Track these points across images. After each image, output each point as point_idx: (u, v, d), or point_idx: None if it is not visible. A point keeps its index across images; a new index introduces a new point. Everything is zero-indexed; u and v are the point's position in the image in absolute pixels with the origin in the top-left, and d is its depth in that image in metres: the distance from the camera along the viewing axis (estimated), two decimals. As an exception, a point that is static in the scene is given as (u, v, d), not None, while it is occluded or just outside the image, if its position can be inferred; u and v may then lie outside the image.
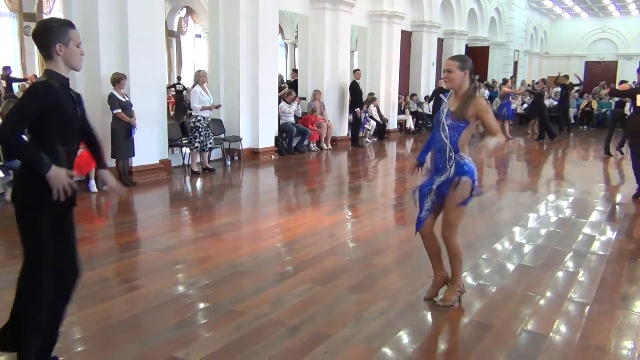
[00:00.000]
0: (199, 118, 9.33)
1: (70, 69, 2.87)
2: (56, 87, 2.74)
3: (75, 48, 2.81)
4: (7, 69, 14.67)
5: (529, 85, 16.86)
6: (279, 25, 14.09)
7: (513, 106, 16.41)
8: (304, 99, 13.28)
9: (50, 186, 2.67)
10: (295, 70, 16.60)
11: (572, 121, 20.24)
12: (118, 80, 7.88)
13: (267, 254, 5.24)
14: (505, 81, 18.47)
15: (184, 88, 17.09)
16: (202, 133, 9.35)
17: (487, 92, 21.31)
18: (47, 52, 2.77)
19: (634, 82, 23.09)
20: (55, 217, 2.82)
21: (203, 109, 9.33)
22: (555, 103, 19.63)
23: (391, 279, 4.55)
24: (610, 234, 6.16)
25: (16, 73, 16.08)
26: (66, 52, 2.78)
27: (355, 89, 13.63)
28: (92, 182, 7.68)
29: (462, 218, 3.97)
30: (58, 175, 2.68)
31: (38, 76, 15.44)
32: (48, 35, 2.75)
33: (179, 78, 19.58)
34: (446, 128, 3.78)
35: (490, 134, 3.71)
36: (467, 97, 3.76)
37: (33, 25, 16.42)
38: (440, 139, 3.82)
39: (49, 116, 2.68)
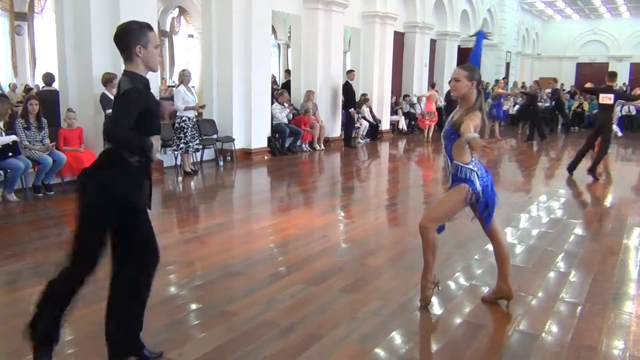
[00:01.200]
0: (184, 119, 9.26)
1: (149, 70, 2.97)
2: (143, 90, 2.88)
3: (154, 49, 2.91)
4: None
5: (522, 87, 16.92)
6: (272, 26, 14.07)
7: (505, 107, 16.47)
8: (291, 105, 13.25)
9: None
10: (288, 71, 16.61)
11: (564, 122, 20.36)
12: (110, 80, 7.84)
13: (259, 255, 5.23)
14: (497, 82, 18.53)
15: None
16: (187, 134, 9.28)
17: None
18: (127, 54, 2.89)
19: (624, 83, 23.28)
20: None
21: (187, 109, 9.25)
22: (548, 105, 19.76)
23: (384, 280, 4.56)
24: (601, 234, 6.20)
25: (7, 73, 16.00)
26: (145, 54, 2.88)
27: (348, 89, 13.65)
28: (84, 183, 7.63)
29: (449, 216, 3.92)
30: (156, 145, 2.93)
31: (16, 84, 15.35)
32: (128, 37, 2.86)
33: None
34: (443, 137, 3.87)
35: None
36: (470, 110, 3.73)
37: (24, 24, 16.42)
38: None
39: (140, 116, 2.82)
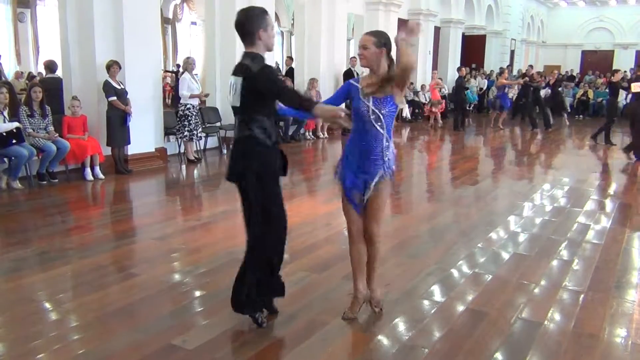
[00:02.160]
0: (188, 106, 9.26)
1: (267, 50, 3.24)
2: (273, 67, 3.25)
3: (271, 31, 3.22)
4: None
5: (525, 76, 16.59)
6: (275, 13, 14.00)
7: (510, 96, 16.34)
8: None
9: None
10: (290, 58, 16.53)
11: (569, 110, 20.16)
12: (110, 66, 7.80)
13: (263, 243, 5.23)
14: (502, 71, 18.38)
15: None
16: (191, 121, 9.28)
17: (485, 82, 21.26)
18: (250, 39, 3.16)
19: (631, 69, 23.10)
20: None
21: (192, 96, 9.25)
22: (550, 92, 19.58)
23: (387, 267, 4.56)
24: (604, 222, 6.19)
25: (10, 60, 15.96)
26: (265, 36, 3.16)
27: (349, 76, 13.57)
28: (88, 170, 7.66)
29: None
30: (325, 109, 3.17)
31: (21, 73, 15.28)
32: (251, 22, 3.14)
33: (177, 65, 19.41)
34: (381, 117, 3.31)
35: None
36: (388, 79, 3.30)
37: (27, 12, 16.36)
38: (375, 132, 3.34)
39: (263, 95, 3.17)
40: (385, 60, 3.36)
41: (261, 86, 3.11)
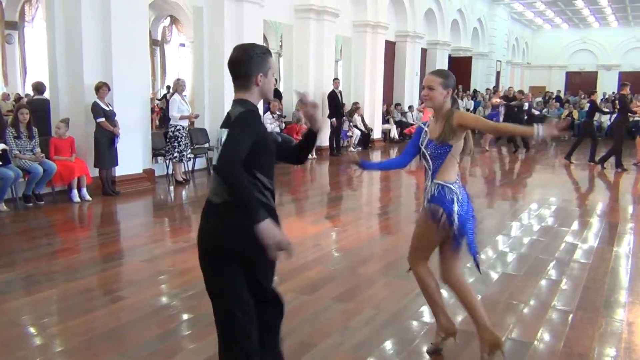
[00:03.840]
0: (178, 127, 9.27)
1: (263, 99, 2.64)
2: (257, 114, 2.52)
3: (272, 77, 2.58)
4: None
5: (507, 97, 16.62)
6: (264, 35, 14.11)
7: (501, 118, 16.36)
8: (283, 116, 13.23)
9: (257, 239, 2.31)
10: (275, 80, 16.59)
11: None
12: (99, 88, 7.79)
13: (252, 264, 5.20)
14: (495, 90, 18.49)
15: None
16: (181, 143, 9.28)
17: (471, 102, 21.52)
18: (245, 82, 2.53)
19: (612, 92, 23.50)
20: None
21: (182, 118, 9.28)
22: (538, 112, 19.84)
23: (376, 288, 4.55)
24: (591, 241, 6.23)
25: (-3, 82, 15.92)
26: (265, 82, 2.54)
27: (334, 98, 13.62)
28: (75, 192, 7.61)
29: (428, 246, 3.36)
30: (272, 229, 2.32)
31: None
32: (250, 64, 2.50)
33: (168, 87, 19.44)
34: (428, 159, 3.29)
35: (506, 132, 3.12)
36: (447, 117, 3.20)
37: (15, 33, 16.36)
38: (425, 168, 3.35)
39: (253, 147, 2.38)
40: (449, 102, 3.25)
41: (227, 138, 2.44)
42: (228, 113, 2.53)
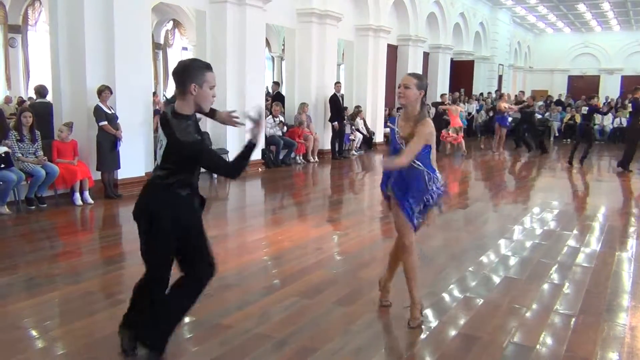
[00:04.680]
0: None
1: (198, 110, 3.06)
2: (202, 138, 3.05)
3: (208, 90, 2.96)
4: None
5: (520, 103, 16.66)
6: (266, 39, 14.13)
7: (510, 120, 16.30)
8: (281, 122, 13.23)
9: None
10: (276, 83, 16.62)
11: (557, 134, 20.60)
12: (101, 91, 7.80)
13: (253, 267, 5.21)
14: (501, 95, 18.46)
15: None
16: None
17: (474, 106, 21.47)
18: (181, 90, 2.94)
19: (611, 99, 23.48)
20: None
21: None
22: (540, 117, 19.88)
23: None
24: (594, 245, 6.22)
25: (0, 85, 15.95)
26: (198, 93, 2.93)
27: (335, 101, 13.63)
28: (77, 195, 7.62)
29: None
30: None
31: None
32: (185, 74, 2.92)
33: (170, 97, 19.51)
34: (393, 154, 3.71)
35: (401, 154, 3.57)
36: (419, 120, 3.58)
37: (18, 37, 16.40)
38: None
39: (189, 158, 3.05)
40: (420, 103, 3.62)
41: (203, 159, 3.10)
42: (168, 120, 2.95)
